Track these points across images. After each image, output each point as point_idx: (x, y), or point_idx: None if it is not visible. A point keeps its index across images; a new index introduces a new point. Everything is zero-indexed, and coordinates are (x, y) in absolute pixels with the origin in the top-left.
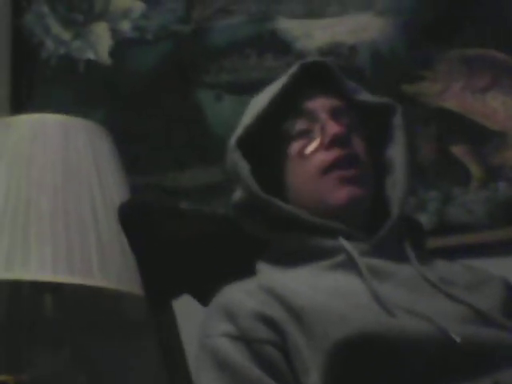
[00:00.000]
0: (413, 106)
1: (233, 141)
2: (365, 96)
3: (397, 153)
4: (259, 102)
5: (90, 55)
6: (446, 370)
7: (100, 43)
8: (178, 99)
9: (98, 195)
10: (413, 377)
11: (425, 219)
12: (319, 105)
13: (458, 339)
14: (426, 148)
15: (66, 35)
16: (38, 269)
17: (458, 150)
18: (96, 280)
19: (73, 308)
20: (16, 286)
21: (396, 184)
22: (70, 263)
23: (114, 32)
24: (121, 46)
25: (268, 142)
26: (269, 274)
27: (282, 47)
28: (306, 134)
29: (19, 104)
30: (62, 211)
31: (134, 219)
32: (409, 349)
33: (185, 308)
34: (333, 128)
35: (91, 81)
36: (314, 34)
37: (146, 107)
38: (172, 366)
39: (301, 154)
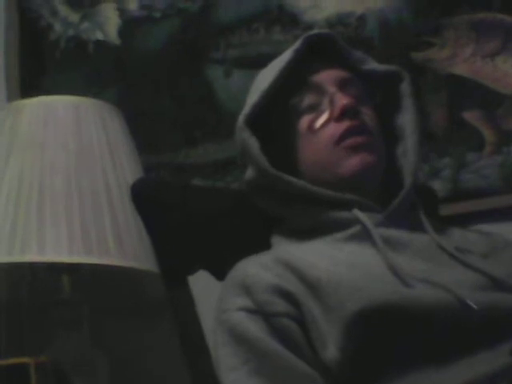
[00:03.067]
0: (423, 73)
1: (241, 119)
2: (372, 65)
3: (406, 121)
4: (265, 78)
5: (99, 36)
6: (464, 338)
7: (108, 23)
8: (187, 76)
9: (112, 175)
10: (430, 346)
11: (439, 186)
12: (326, 77)
13: (475, 306)
14: (438, 115)
15: (73, 17)
16: (54, 250)
17: (470, 116)
18: (112, 259)
19: (91, 289)
20: (33, 269)
21: (407, 152)
22: (86, 243)
23: (122, 11)
24: (129, 26)
25: (277, 119)
26: (284, 247)
27: (289, 20)
28: (315, 108)
29: (29, 87)
30: (76, 192)
31: (147, 197)
32: (426, 318)
33: (201, 284)
34: (342, 100)
35: (101, 61)
36: (321, 5)
37: (155, 85)
38: (189, 342)
39: (311, 128)
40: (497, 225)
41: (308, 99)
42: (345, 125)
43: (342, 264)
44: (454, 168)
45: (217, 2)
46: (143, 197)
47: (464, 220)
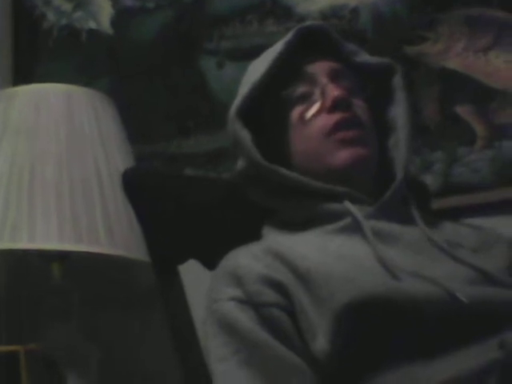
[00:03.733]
0: (415, 67)
1: (232, 111)
2: (364, 57)
3: (398, 113)
4: (256, 69)
5: (92, 25)
6: (454, 332)
7: (101, 13)
8: (180, 67)
9: (103, 163)
10: (420, 339)
11: (431, 180)
12: (319, 68)
13: (465, 300)
14: (430, 109)
15: (66, 6)
16: (44, 238)
17: (462, 110)
18: (102, 248)
19: (81, 278)
20: (23, 257)
21: (398, 145)
22: (77, 232)
23: (115, 1)
24: (122, 15)
25: (269, 110)
26: (274, 238)
27: (282, 12)
28: (307, 99)
29: (22, 75)
30: (67, 181)
31: (138, 186)
32: (415, 311)
33: (191, 273)
34: (333, 91)
35: (94, 50)
36: None
37: (148, 75)
38: (179, 332)
39: (302, 118)
40: (488, 219)
41: (300, 90)
42: (336, 116)
43: (332, 256)
44: (445, 162)
45: None
46: (134, 185)
47: (455, 214)
